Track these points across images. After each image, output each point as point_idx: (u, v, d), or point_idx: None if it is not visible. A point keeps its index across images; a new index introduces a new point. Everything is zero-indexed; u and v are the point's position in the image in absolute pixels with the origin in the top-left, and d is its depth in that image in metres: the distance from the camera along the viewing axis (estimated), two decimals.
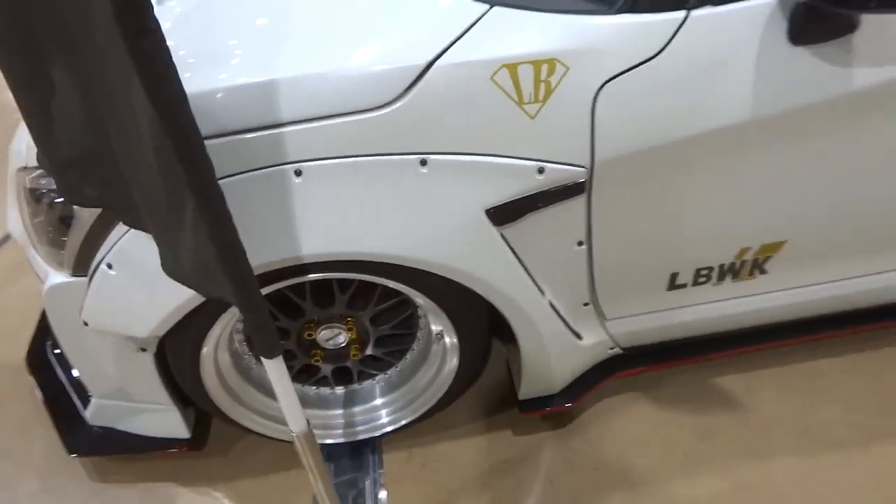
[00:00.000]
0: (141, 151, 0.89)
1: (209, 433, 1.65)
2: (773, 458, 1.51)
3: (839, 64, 1.19)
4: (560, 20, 1.16)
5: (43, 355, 1.68)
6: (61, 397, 1.59)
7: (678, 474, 1.50)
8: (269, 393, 1.53)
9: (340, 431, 1.57)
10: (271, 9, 1.28)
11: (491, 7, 1.17)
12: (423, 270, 1.25)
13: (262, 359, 1.02)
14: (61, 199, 1.29)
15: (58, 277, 1.32)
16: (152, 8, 0.68)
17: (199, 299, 1.22)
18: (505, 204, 1.23)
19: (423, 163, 1.18)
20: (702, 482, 1.48)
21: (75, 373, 1.54)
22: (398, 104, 1.14)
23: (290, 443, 1.54)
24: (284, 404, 1.07)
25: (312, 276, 1.25)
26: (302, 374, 1.54)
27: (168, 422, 1.51)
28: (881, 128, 1.29)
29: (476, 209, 1.22)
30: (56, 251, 1.31)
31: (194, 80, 1.10)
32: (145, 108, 0.74)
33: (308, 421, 1.12)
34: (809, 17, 1.14)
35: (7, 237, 2.25)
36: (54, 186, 1.29)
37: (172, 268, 1.08)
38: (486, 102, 1.15)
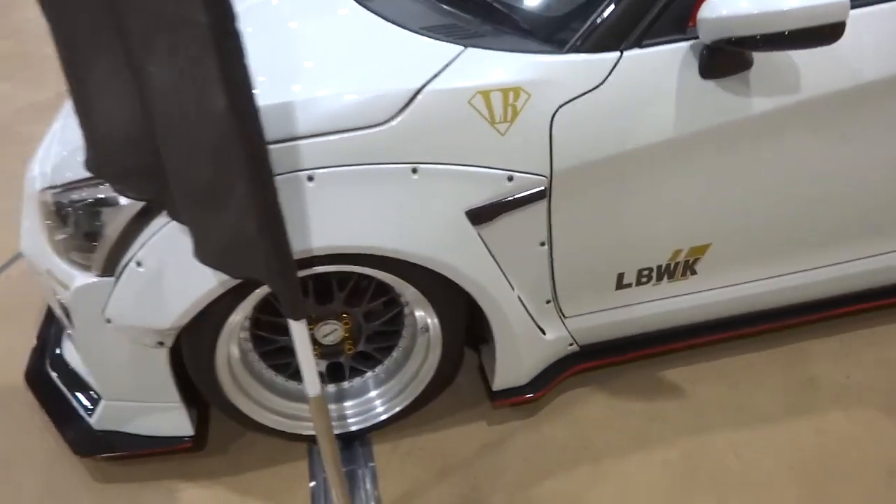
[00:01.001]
0: (191, 143, 1.09)
1: (208, 433, 1.77)
2: (714, 432, 1.74)
3: (740, 94, 1.51)
4: (522, 58, 1.45)
5: (42, 370, 1.80)
6: (64, 405, 1.71)
7: (634, 448, 1.71)
8: (270, 387, 1.69)
9: (335, 423, 1.72)
10: (285, 46, 1.55)
11: (466, 48, 1.46)
12: (413, 263, 1.47)
13: (288, 321, 1.20)
14: (82, 213, 1.46)
15: (85, 279, 1.47)
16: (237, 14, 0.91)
17: (219, 290, 1.40)
18: (481, 206, 1.47)
19: (415, 171, 1.42)
20: (654, 453, 1.70)
21: (80, 392, 1.70)
22: (394, 122, 1.39)
23: (289, 435, 1.70)
24: (304, 365, 1.24)
25: (319, 268, 1.45)
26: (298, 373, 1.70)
27: (174, 420, 1.64)
28: (778, 146, 1.60)
29: (457, 210, 1.46)
30: (85, 255, 1.47)
31: None
32: (218, 99, 0.96)
33: (323, 384, 1.29)
34: (714, 56, 1.46)
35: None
36: (79, 200, 1.47)
37: (204, 254, 1.27)
38: (464, 121, 1.41)
